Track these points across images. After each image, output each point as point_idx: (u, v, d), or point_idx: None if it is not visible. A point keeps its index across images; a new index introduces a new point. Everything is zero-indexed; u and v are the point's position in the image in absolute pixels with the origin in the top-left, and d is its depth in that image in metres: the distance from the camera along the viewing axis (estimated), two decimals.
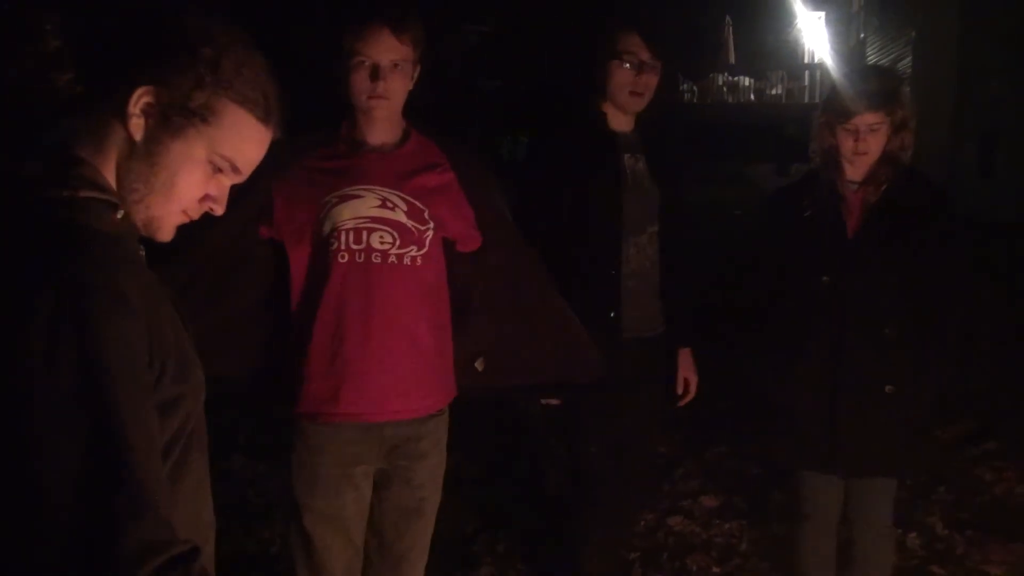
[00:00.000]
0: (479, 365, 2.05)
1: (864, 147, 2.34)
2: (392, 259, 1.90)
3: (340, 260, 1.89)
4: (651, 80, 2.43)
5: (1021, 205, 12.93)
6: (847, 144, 2.35)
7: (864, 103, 2.32)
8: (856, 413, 2.37)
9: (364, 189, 1.90)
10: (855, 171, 2.40)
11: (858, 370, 2.36)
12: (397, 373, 1.94)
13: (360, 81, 1.88)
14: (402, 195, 1.92)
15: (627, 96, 2.44)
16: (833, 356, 2.38)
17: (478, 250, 2.06)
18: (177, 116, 1.05)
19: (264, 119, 1.10)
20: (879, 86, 2.35)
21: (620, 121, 2.50)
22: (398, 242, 1.90)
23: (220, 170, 1.09)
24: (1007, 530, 3.44)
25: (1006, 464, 4.08)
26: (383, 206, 1.90)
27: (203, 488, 1.13)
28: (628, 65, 2.41)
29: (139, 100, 1.03)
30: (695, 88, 24.29)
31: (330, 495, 1.95)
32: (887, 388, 2.36)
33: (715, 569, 3.23)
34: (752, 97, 24.37)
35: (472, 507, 3.73)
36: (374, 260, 1.89)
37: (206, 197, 1.10)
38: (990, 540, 3.38)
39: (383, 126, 1.95)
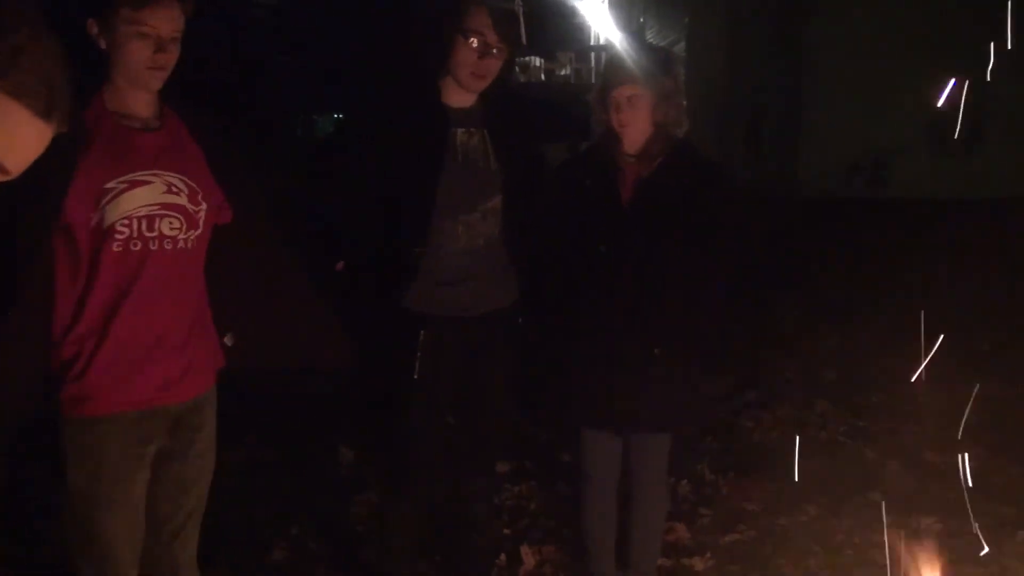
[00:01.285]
0: (228, 340, 2.03)
1: (625, 119, 2.48)
2: (180, 244, 1.90)
3: (133, 248, 1.85)
4: (494, 64, 2.38)
5: (782, 179, 14.19)
6: (612, 116, 2.49)
7: (620, 76, 2.47)
8: (630, 374, 2.54)
9: (151, 175, 1.87)
10: (630, 144, 2.53)
11: (631, 334, 2.52)
12: (183, 356, 1.95)
13: (140, 51, 1.82)
14: (183, 179, 1.91)
15: (468, 76, 2.38)
16: (608, 321, 2.53)
17: (229, 224, 2.03)
18: None
19: (44, 114, 0.94)
20: (636, 61, 2.49)
21: (459, 96, 2.44)
22: (184, 227, 1.91)
23: None
24: (763, 471, 3.82)
25: (763, 412, 4.53)
26: (169, 191, 1.89)
27: None
28: (474, 43, 2.34)
29: None
30: None
31: (120, 479, 1.90)
32: (656, 351, 2.53)
33: (505, 531, 3.37)
34: (543, 77, 25.05)
35: (266, 492, 3.67)
36: (166, 247, 1.88)
37: None
38: (748, 481, 3.74)
39: (151, 99, 1.91)
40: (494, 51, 2.36)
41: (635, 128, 2.50)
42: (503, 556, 3.15)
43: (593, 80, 23.72)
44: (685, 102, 2.60)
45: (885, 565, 3.06)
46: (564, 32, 27.26)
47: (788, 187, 13.69)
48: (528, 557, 3.16)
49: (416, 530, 2.71)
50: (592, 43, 26.02)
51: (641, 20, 23.07)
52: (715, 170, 2.68)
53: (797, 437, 4.17)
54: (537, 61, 25.06)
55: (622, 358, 2.54)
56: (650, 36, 22.62)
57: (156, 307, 1.88)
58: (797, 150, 14.23)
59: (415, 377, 2.46)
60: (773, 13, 15.31)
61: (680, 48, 19.71)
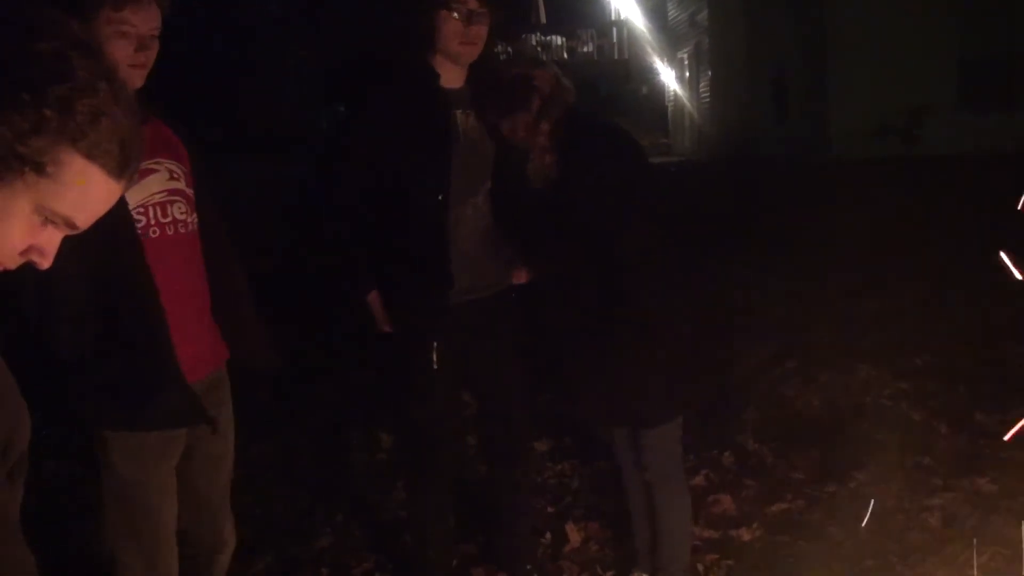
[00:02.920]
0: None
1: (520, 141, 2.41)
2: (191, 227, 1.99)
3: (152, 235, 1.92)
4: (481, 29, 2.37)
5: (811, 144, 13.96)
6: None
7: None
8: (591, 369, 2.45)
9: (154, 163, 1.93)
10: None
11: (585, 327, 2.42)
12: (199, 336, 2.02)
13: (122, 49, 1.86)
14: (178, 164, 1.99)
15: (458, 46, 2.36)
16: (563, 318, 2.48)
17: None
18: (2, 160, 0.88)
19: (117, 174, 0.93)
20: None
21: (451, 77, 2.43)
22: (189, 210, 1.99)
23: (52, 222, 0.93)
24: (806, 439, 3.76)
25: (804, 380, 4.45)
26: (171, 178, 1.96)
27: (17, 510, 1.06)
28: (456, 15, 2.34)
29: None
30: (510, 49, 24.50)
31: (160, 456, 1.97)
32: (608, 342, 2.37)
33: (549, 509, 3.35)
34: (565, 55, 24.85)
35: (308, 481, 3.69)
36: (180, 231, 1.96)
37: (30, 248, 0.94)
38: (793, 450, 3.68)
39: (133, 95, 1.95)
40: (476, 15, 2.35)
41: (528, 141, 2.40)
42: (548, 534, 3.14)
43: (616, 56, 23.54)
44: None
45: (938, 528, 3.00)
46: (584, 8, 27.03)
47: (818, 150, 13.47)
48: (573, 534, 3.14)
49: (446, 514, 2.69)
50: (613, 18, 25.76)
51: None
52: (605, 137, 2.45)
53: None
54: (559, 39, 24.87)
55: (581, 353, 2.46)
56: (671, 8, 22.35)
57: (176, 289, 1.94)
58: (825, 112, 13.97)
59: (435, 368, 2.44)
60: None
61: (702, 17, 19.44)
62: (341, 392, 4.63)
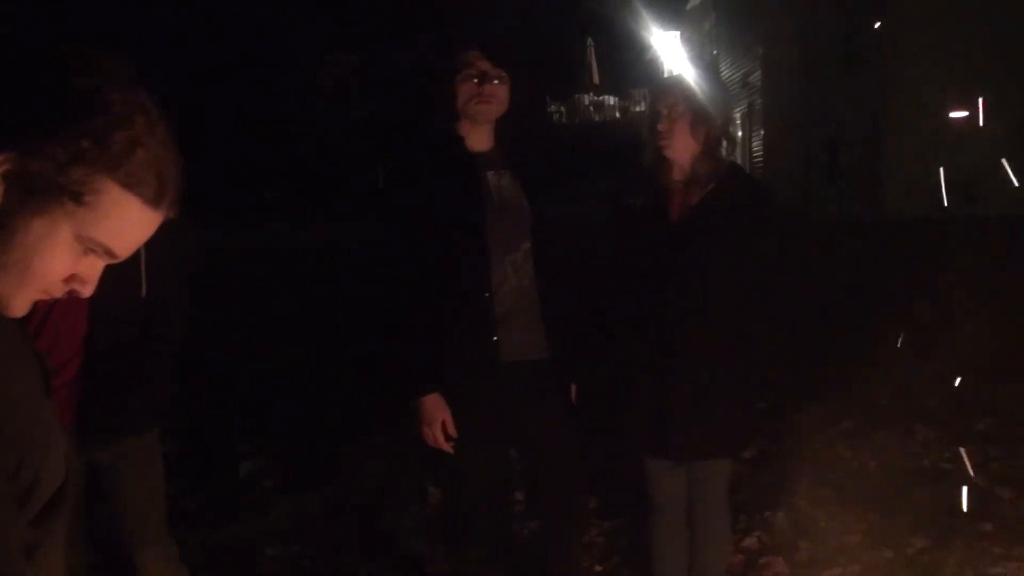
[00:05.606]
0: None
1: (665, 128, 2.47)
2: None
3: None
4: (497, 89, 2.44)
5: (865, 205, 13.82)
6: (656, 132, 2.50)
7: (662, 90, 2.57)
8: (681, 401, 2.48)
9: None
10: (678, 169, 2.52)
11: (684, 357, 2.47)
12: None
13: None
14: None
15: (475, 106, 2.44)
16: (662, 344, 2.49)
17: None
18: (43, 191, 0.91)
19: (154, 203, 0.96)
20: (665, 81, 2.62)
21: (479, 140, 2.49)
22: None
23: (92, 251, 0.96)
24: (863, 500, 3.66)
25: (860, 441, 4.35)
26: None
27: (57, 552, 1.05)
28: (469, 77, 2.43)
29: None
30: (563, 108, 25.01)
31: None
32: (702, 375, 2.48)
33: (597, 568, 3.31)
34: (617, 115, 25.16)
35: (355, 534, 3.71)
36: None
37: (72, 277, 0.97)
38: (848, 512, 3.59)
39: None
40: (490, 76, 2.42)
41: (678, 143, 2.47)
42: None
43: None
44: (733, 130, 2.62)
45: None
46: (637, 69, 27.41)
47: (872, 210, 13.32)
48: None
49: (494, 570, 2.65)
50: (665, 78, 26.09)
51: (714, 52, 23.00)
52: (763, 193, 2.71)
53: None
54: (611, 99, 25.21)
55: (677, 383, 2.48)
56: (724, 69, 22.51)
57: (69, 339, 2.21)
58: (880, 171, 13.84)
59: (469, 425, 2.44)
60: (846, 37, 15.05)
61: (755, 78, 19.56)
62: (391, 444, 4.66)
